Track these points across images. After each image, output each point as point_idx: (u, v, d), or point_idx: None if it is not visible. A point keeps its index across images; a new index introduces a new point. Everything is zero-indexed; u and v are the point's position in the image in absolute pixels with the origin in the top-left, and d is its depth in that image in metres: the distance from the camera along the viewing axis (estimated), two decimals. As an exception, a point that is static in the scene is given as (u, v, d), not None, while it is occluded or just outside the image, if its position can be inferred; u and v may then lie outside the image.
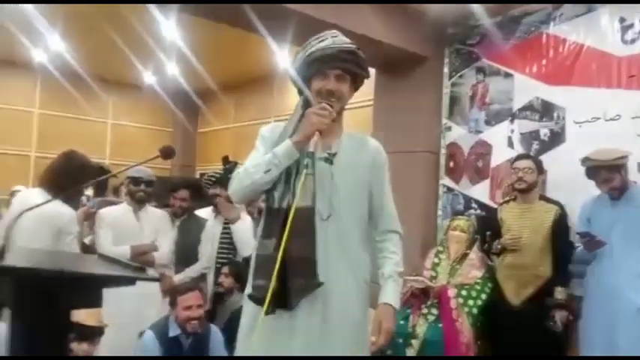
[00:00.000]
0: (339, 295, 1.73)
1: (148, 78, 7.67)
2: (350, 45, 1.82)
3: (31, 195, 2.74)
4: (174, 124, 8.87)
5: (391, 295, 1.80)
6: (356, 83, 1.86)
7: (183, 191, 3.77)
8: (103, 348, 2.76)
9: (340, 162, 1.79)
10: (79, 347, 2.47)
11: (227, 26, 3.93)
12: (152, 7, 4.24)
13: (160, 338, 2.89)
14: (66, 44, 6.18)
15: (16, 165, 7.35)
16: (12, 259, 1.19)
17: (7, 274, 1.19)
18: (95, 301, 1.26)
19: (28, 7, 4.84)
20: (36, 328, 1.28)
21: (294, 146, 1.70)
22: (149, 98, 8.37)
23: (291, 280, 1.63)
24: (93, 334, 2.57)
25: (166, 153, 1.90)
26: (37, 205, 1.53)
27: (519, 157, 3.42)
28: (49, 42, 6.09)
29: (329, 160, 1.78)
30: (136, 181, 3.39)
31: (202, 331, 2.98)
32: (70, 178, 2.68)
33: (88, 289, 1.25)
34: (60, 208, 2.83)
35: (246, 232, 3.55)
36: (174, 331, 2.92)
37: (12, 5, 4.79)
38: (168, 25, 5.16)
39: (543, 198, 3.34)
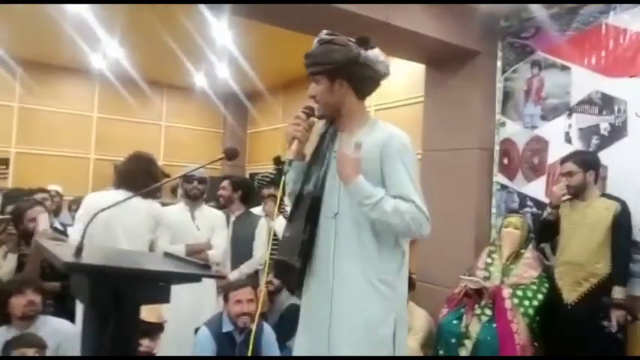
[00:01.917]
0: (348, 294, 1.75)
1: (200, 81, 7.86)
2: (312, 49, 1.85)
3: (116, 196, 2.73)
4: (224, 126, 9.06)
5: (367, 185, 1.71)
6: (336, 77, 1.80)
7: (225, 182, 3.92)
8: (161, 344, 2.87)
9: None
10: (141, 343, 2.58)
11: (274, 27, 3.98)
12: (205, 10, 4.35)
13: (213, 334, 2.97)
14: (123, 51, 6.43)
15: (76, 167, 7.68)
16: (87, 257, 1.25)
17: (82, 271, 1.26)
18: (164, 297, 1.32)
19: (88, 16, 5.05)
20: (107, 323, 1.34)
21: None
22: (200, 100, 8.58)
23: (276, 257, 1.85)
24: (154, 330, 2.68)
25: (231, 154, 2.01)
26: (118, 203, 1.64)
27: (562, 161, 3.34)
28: (107, 49, 6.34)
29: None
30: (188, 179, 3.51)
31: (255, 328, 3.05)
32: (149, 177, 2.91)
33: (157, 286, 1.31)
34: (156, 205, 3.18)
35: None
36: (227, 326, 2.99)
37: (73, 14, 5.01)
38: (219, 28, 5.27)
39: (605, 195, 3.22)
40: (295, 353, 1.87)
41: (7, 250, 3.15)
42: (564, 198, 3.32)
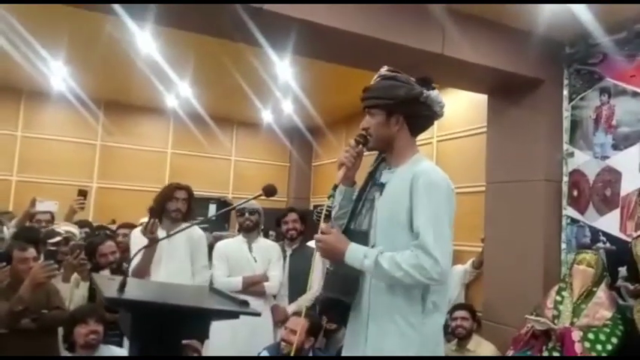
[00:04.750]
0: (376, 327, 1.75)
1: (267, 117, 8.12)
2: (373, 83, 1.91)
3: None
4: (290, 159, 9.25)
5: (360, 247, 1.75)
6: (393, 112, 1.85)
7: (292, 214, 3.93)
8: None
9: (385, 193, 1.85)
10: None
11: (335, 65, 4.06)
12: (270, 50, 4.51)
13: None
14: (194, 90, 6.78)
15: (152, 200, 8.04)
16: (130, 293, 1.31)
17: (122, 306, 1.32)
18: (203, 333, 1.35)
19: (161, 58, 5.38)
20: (150, 356, 1.39)
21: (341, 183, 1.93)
22: (267, 136, 8.84)
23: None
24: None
25: (268, 191, 2.11)
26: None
27: None
28: (179, 89, 6.71)
29: (380, 191, 1.88)
30: (240, 212, 3.64)
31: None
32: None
33: (196, 322, 1.34)
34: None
35: None
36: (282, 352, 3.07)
37: (148, 56, 5.33)
38: (283, 66, 5.44)
39: None
40: None
41: (79, 279, 3.35)
42: (637, 234, 3.09)
